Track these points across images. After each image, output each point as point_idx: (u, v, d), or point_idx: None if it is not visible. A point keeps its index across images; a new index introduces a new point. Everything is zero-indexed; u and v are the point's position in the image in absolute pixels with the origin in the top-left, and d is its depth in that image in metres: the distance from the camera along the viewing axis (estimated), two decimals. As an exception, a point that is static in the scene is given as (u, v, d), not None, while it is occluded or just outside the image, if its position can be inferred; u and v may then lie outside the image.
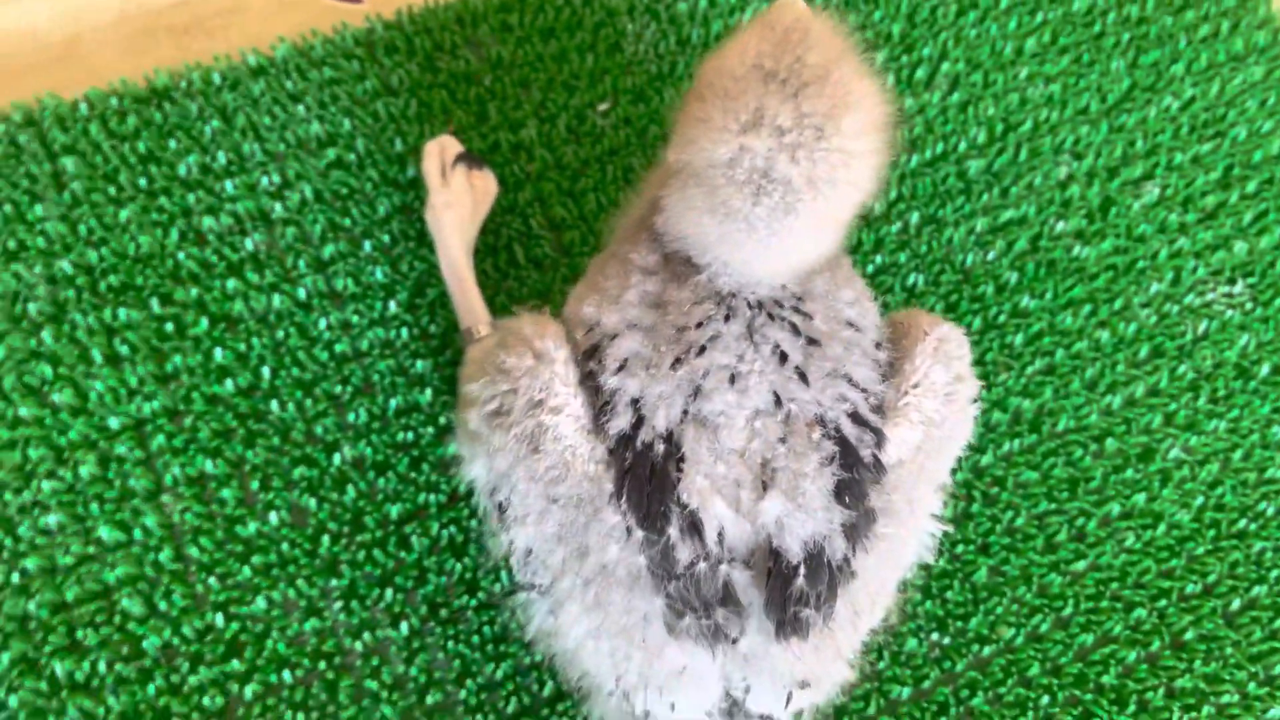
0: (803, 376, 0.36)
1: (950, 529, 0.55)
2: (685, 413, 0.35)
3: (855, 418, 0.36)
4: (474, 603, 0.52)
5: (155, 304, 0.55)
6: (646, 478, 0.35)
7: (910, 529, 0.40)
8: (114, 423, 0.53)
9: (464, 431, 0.51)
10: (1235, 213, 0.65)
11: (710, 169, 0.33)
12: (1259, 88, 0.68)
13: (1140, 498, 0.57)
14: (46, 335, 0.54)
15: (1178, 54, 0.70)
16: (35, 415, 0.53)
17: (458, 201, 0.57)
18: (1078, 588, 0.56)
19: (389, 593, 0.52)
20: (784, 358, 0.36)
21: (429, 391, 0.56)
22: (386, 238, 0.59)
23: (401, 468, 0.54)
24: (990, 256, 0.63)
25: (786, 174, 0.33)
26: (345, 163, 0.60)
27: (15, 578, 0.50)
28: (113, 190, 0.58)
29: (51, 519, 0.51)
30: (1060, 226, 0.64)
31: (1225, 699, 0.53)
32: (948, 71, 0.67)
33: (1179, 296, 0.63)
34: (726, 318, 0.36)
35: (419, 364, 0.56)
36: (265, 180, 0.59)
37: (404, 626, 0.52)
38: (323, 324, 0.57)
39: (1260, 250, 0.64)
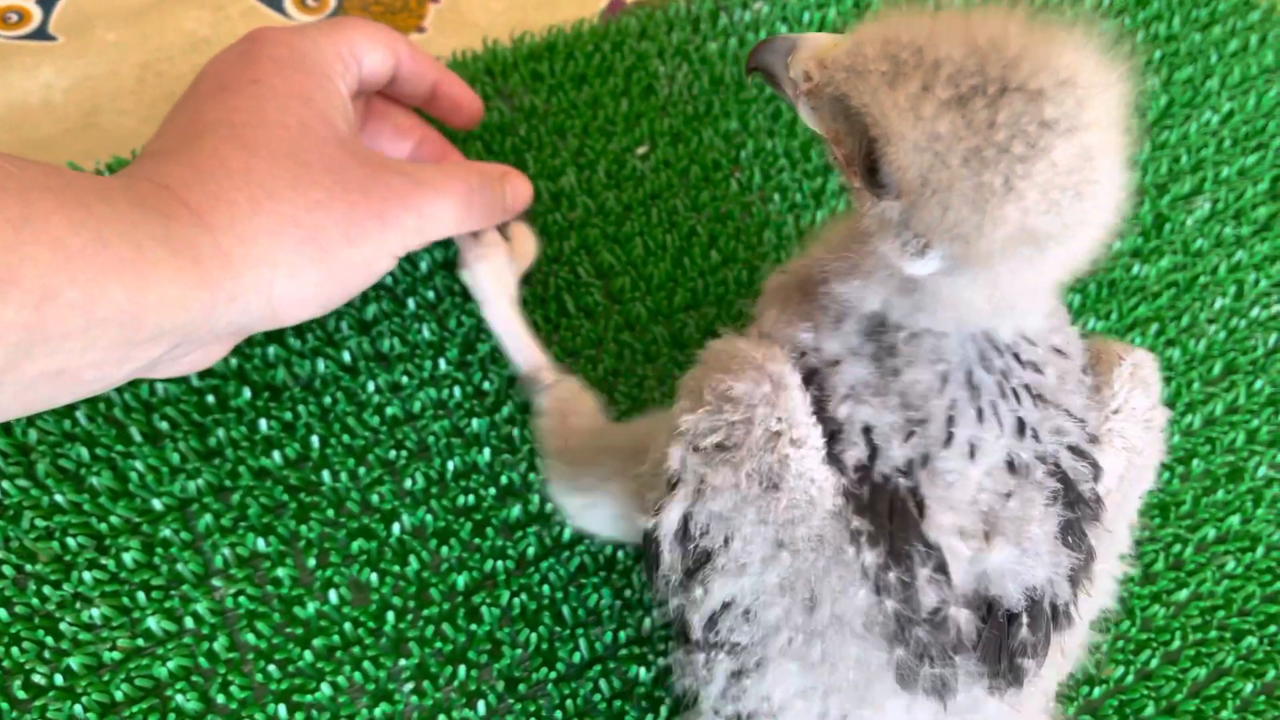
0: (1036, 437, 0.34)
1: (1133, 570, 0.52)
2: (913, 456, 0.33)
3: (1074, 450, 0.34)
4: (553, 675, 0.49)
5: (193, 377, 0.52)
6: (888, 514, 0.32)
7: (1109, 566, 0.37)
8: (157, 504, 0.50)
9: (561, 482, 0.48)
10: (1291, 223, 0.64)
11: (1027, 222, 0.29)
12: (1297, 98, 0.68)
13: (1234, 520, 0.55)
14: (80, 415, 0.51)
15: (1210, 69, 0.69)
16: (72, 501, 0.49)
17: (490, 252, 0.54)
18: (1183, 619, 0.53)
19: (462, 670, 0.48)
20: (1021, 425, 0.33)
21: (487, 451, 0.53)
22: (431, 294, 0.56)
23: (465, 534, 0.51)
24: (1050, 280, 0.61)
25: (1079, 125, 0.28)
26: (383, 219, 0.58)
27: (59, 679, 0.46)
28: (142, 260, 0.55)
29: (95, 612, 0.47)
30: (1116, 245, 0.62)
31: (1351, 727, 0.50)
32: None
33: (1244, 310, 0.61)
34: (979, 412, 0.33)
35: (474, 423, 0.53)
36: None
37: (481, 706, 0.48)
38: (371, 387, 0.54)
39: (1321, 259, 0.63)
